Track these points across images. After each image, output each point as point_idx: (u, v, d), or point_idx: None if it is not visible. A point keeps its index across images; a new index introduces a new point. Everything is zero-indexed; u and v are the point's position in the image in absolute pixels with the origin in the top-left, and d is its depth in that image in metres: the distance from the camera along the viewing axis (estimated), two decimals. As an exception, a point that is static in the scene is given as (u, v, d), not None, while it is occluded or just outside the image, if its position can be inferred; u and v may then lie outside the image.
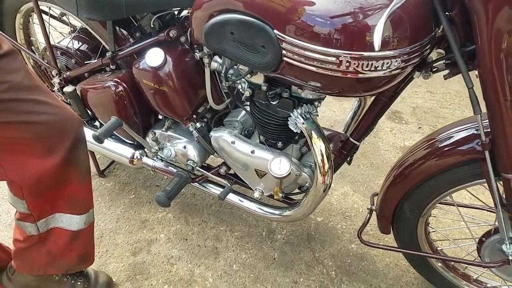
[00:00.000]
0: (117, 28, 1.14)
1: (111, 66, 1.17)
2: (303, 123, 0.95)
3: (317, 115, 0.99)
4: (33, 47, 1.53)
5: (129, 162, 1.31)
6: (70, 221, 1.01)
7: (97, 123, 1.40)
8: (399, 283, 1.28)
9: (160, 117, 1.24)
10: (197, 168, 1.21)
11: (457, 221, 1.40)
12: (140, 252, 1.38)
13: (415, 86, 2.24)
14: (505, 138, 0.77)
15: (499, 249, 0.93)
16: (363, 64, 0.73)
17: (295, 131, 0.98)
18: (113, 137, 1.36)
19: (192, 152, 1.20)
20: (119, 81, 1.14)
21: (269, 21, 0.77)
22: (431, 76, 0.84)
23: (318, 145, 0.96)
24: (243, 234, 1.44)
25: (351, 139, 1.07)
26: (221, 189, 1.22)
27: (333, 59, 0.73)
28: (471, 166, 0.87)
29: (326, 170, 0.98)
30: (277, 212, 1.20)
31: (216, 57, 1.02)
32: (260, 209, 1.22)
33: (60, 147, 0.89)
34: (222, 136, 1.11)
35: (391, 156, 1.77)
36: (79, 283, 1.18)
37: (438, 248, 1.17)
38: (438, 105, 2.11)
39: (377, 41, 0.64)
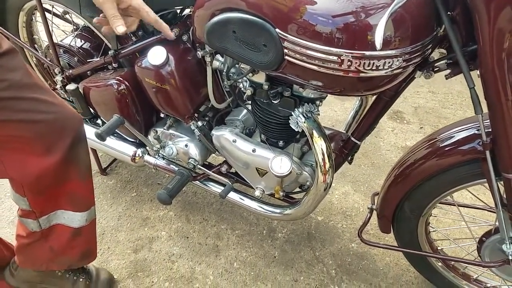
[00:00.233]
0: (120, 26, 1.14)
1: (113, 64, 1.18)
2: (304, 122, 0.95)
3: (319, 114, 0.99)
4: (36, 45, 1.53)
5: (131, 160, 1.31)
6: (72, 218, 1.01)
7: (99, 121, 1.40)
8: (399, 282, 1.29)
9: (162, 115, 1.25)
10: (199, 166, 1.22)
11: (458, 221, 1.40)
12: (142, 250, 1.39)
13: (417, 86, 2.24)
14: (506, 138, 0.77)
15: (499, 249, 0.93)
16: (364, 63, 0.73)
17: (296, 130, 0.98)
18: (115, 135, 1.36)
19: (194, 151, 1.20)
20: (121, 79, 1.14)
21: (271, 20, 0.77)
22: (432, 76, 0.84)
23: (319, 144, 0.96)
24: (244, 233, 1.45)
25: (352, 139, 1.07)
26: (222, 188, 1.23)
27: (335, 58, 0.73)
28: (471, 166, 0.87)
29: (327, 169, 0.98)
30: (278, 210, 1.20)
31: (218, 56, 1.03)
32: (261, 207, 1.22)
33: (60, 145, 0.89)
34: (223, 135, 1.11)
35: (392, 156, 1.77)
36: (81, 279, 1.18)
37: (438, 248, 1.17)
38: (440, 105, 2.11)
39: (378, 40, 0.64)
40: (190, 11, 1.11)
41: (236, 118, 1.17)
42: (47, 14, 1.23)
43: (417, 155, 0.96)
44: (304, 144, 1.12)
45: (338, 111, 2.06)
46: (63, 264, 1.11)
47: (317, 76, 0.79)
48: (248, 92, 1.00)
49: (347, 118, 1.18)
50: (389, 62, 0.73)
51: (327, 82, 0.80)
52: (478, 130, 0.85)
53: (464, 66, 0.73)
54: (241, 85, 1.03)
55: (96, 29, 1.20)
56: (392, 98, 0.95)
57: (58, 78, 1.32)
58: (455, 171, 0.90)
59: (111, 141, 1.35)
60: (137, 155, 1.30)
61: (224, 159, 1.20)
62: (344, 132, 1.17)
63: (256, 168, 1.10)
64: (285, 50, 0.78)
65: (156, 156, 1.29)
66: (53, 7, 1.31)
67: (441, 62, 0.82)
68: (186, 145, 1.21)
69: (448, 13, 0.72)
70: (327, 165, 0.98)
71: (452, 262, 1.15)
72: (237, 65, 1.04)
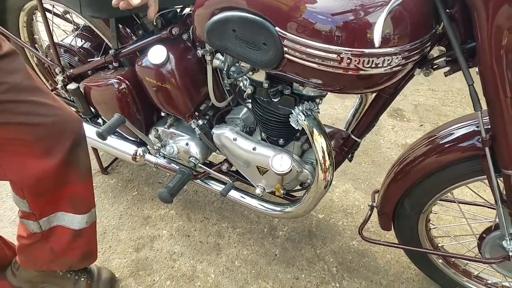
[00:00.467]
0: (120, 26, 1.14)
1: (114, 63, 1.18)
2: (304, 120, 0.95)
3: (319, 112, 0.99)
4: (36, 45, 1.54)
5: (132, 159, 1.32)
6: (72, 220, 1.01)
7: (100, 120, 1.41)
8: (400, 279, 1.29)
9: (162, 114, 1.25)
10: (199, 165, 1.22)
11: (458, 218, 1.40)
12: (143, 248, 1.40)
13: (417, 83, 2.24)
14: (505, 135, 0.77)
15: (500, 245, 0.94)
16: (364, 61, 0.73)
17: (296, 128, 0.98)
18: (116, 134, 1.36)
19: (194, 149, 1.21)
20: (122, 78, 1.14)
21: (271, 19, 0.77)
22: (431, 73, 0.85)
23: (319, 142, 0.96)
24: (244, 231, 1.45)
25: (352, 136, 1.07)
26: (223, 186, 1.23)
27: (334, 56, 0.74)
28: (471, 163, 0.88)
29: (327, 167, 0.99)
30: (278, 208, 1.20)
31: (218, 55, 1.03)
32: (262, 205, 1.23)
33: (60, 148, 0.89)
34: (224, 133, 1.12)
35: (393, 153, 1.77)
36: (82, 279, 1.19)
37: (439, 245, 1.17)
38: (440, 103, 2.11)
39: (377, 38, 0.64)
40: (190, 10, 1.12)
41: (237, 116, 1.17)
42: (47, 14, 1.24)
43: (417, 152, 0.96)
44: (304, 142, 1.12)
45: (338, 109, 2.07)
46: (63, 265, 1.11)
47: (317, 74, 0.80)
48: (248, 90, 1.01)
49: (347, 116, 1.19)
50: (388, 60, 0.73)
51: (327, 80, 0.81)
52: (477, 127, 0.86)
53: (463, 64, 0.73)
54: (241, 84, 1.03)
55: (97, 28, 1.21)
56: (392, 96, 0.95)
57: (59, 77, 1.32)
58: (455, 168, 0.91)
59: (112, 140, 1.35)
60: (138, 154, 1.31)
61: (225, 157, 1.20)
62: (344, 130, 1.17)
63: (257, 166, 1.11)
64: (285, 48, 0.79)
65: (157, 155, 1.30)
66: (53, 6, 1.31)
67: (440, 59, 0.83)
68: (186, 144, 1.21)
69: (447, 10, 0.72)
70: (328, 163, 0.98)
71: (453, 259, 1.15)
72: (237, 64, 1.04)
